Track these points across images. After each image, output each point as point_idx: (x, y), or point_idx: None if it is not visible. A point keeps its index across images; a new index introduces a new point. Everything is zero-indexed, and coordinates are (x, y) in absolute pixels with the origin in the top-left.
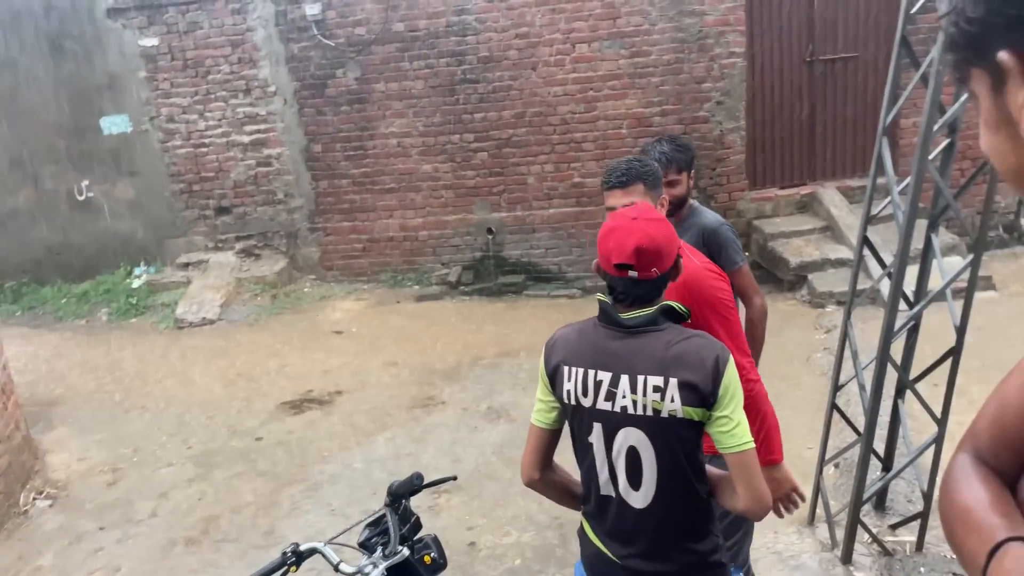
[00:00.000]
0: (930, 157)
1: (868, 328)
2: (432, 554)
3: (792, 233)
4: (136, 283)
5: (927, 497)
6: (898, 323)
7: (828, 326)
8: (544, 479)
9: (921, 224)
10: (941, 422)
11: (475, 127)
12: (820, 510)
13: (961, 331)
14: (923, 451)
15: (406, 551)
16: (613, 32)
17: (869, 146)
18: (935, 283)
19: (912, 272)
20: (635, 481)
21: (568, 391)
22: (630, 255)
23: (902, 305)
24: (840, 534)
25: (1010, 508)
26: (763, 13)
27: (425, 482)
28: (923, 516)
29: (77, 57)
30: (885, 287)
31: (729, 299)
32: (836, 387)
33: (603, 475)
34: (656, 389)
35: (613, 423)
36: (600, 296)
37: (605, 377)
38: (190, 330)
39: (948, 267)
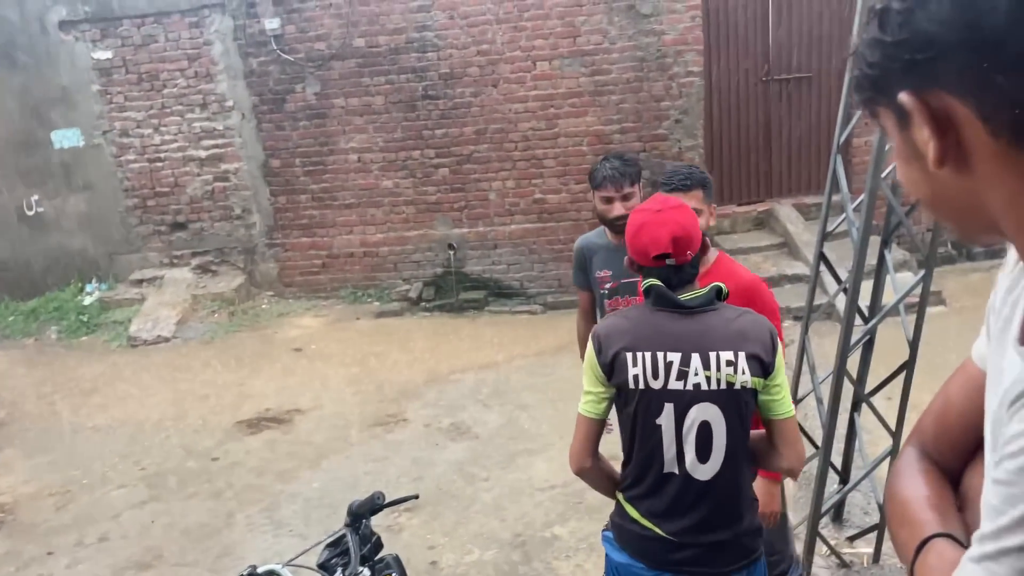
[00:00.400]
0: (883, 175)
1: (824, 343)
2: (393, 574)
3: (750, 249)
4: (88, 300)
5: (883, 509)
6: (853, 337)
7: (785, 341)
8: (594, 467)
9: (874, 240)
10: (895, 435)
11: (436, 143)
12: None
13: (914, 345)
14: (878, 464)
15: (367, 572)
16: (573, 50)
17: (824, 164)
18: (888, 298)
19: (867, 287)
20: (704, 455)
21: (635, 376)
22: (667, 245)
23: (857, 320)
24: (799, 547)
25: (945, 504)
26: (720, 33)
27: (386, 501)
28: (879, 528)
29: (28, 70)
30: (841, 302)
31: (777, 312)
32: (794, 401)
33: (669, 453)
34: (729, 363)
35: (685, 401)
36: (653, 281)
37: (675, 358)
38: (144, 348)
39: (900, 283)
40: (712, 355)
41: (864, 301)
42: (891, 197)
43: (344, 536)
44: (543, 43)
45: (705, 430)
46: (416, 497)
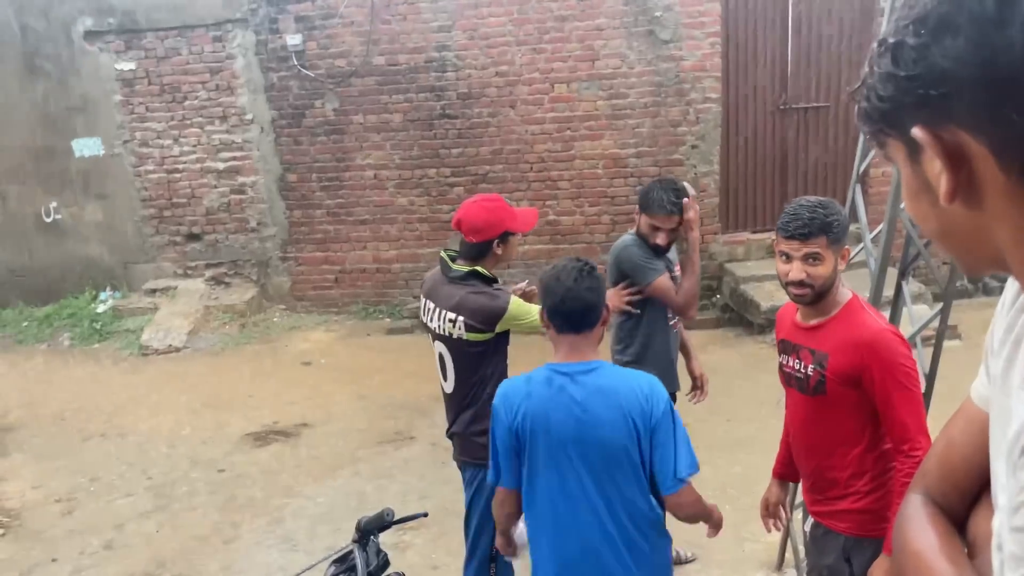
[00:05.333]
0: (901, 206)
1: None
2: None
3: (763, 277)
4: (101, 308)
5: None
6: None
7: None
8: None
9: (892, 272)
10: None
11: (452, 162)
12: (789, 554)
13: (931, 378)
14: None
15: None
16: (592, 74)
17: (840, 193)
18: (905, 331)
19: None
20: (444, 375)
21: (421, 309)
22: (455, 222)
23: None
24: None
25: (957, 552)
26: (739, 61)
27: (396, 518)
28: None
29: (51, 78)
30: None
31: (913, 369)
32: None
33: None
34: (451, 320)
35: (433, 335)
36: (442, 253)
37: (431, 306)
38: (155, 357)
39: (917, 315)
40: (444, 312)
41: None
42: (910, 228)
43: (351, 552)
44: (562, 66)
45: (442, 359)
46: (425, 515)
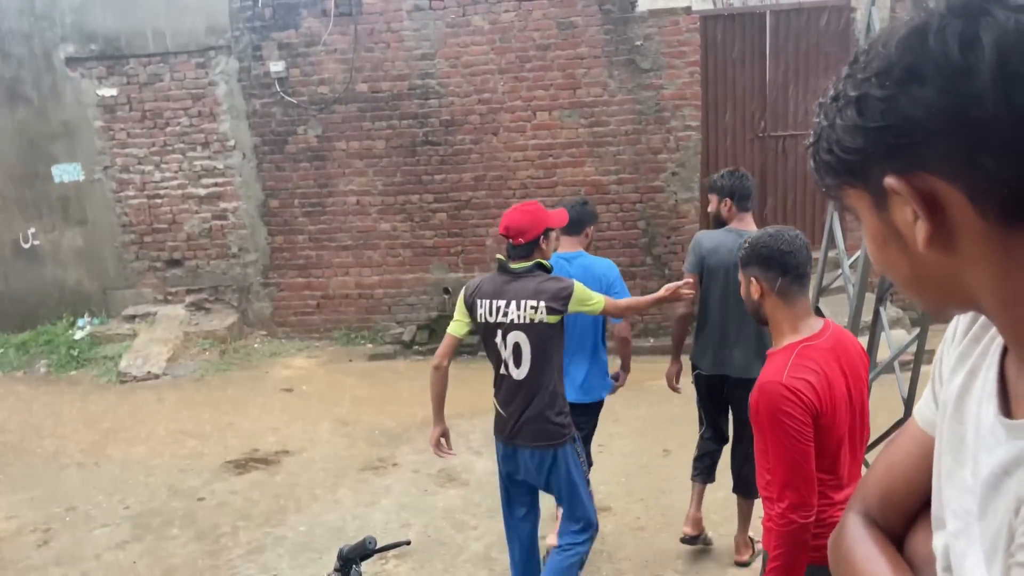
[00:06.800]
0: None
1: None
2: None
3: None
4: (79, 334)
5: None
6: None
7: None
8: (444, 367)
9: (869, 297)
10: None
11: (435, 188)
12: None
13: (909, 403)
14: None
15: None
16: (573, 102)
17: (819, 220)
18: (883, 355)
19: (861, 344)
20: (518, 363)
21: (481, 313)
22: (503, 229)
23: None
24: None
25: (903, 572)
26: (718, 90)
27: (378, 546)
28: None
29: (32, 104)
30: None
31: (794, 424)
32: None
33: (502, 361)
34: (532, 307)
35: (506, 328)
36: (499, 256)
37: (501, 303)
38: (133, 384)
39: (895, 340)
40: (522, 302)
41: None
42: None
43: None
44: (544, 94)
45: (518, 348)
46: (408, 543)
